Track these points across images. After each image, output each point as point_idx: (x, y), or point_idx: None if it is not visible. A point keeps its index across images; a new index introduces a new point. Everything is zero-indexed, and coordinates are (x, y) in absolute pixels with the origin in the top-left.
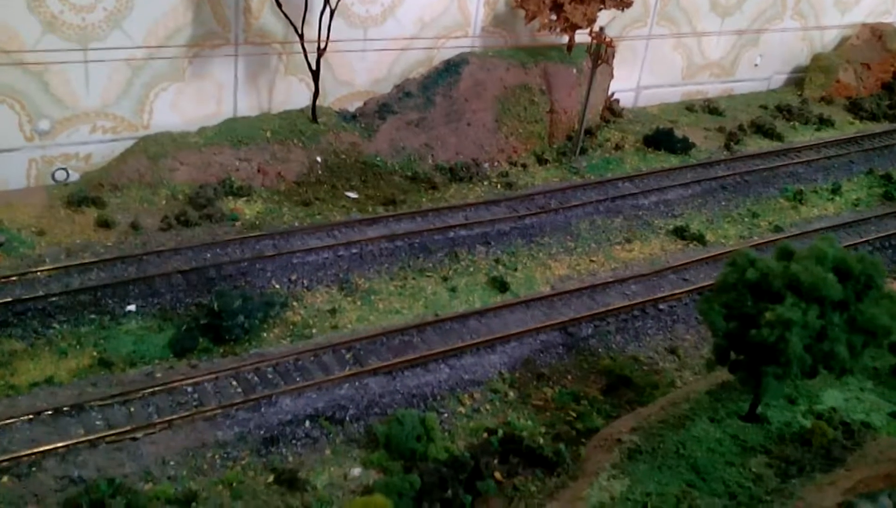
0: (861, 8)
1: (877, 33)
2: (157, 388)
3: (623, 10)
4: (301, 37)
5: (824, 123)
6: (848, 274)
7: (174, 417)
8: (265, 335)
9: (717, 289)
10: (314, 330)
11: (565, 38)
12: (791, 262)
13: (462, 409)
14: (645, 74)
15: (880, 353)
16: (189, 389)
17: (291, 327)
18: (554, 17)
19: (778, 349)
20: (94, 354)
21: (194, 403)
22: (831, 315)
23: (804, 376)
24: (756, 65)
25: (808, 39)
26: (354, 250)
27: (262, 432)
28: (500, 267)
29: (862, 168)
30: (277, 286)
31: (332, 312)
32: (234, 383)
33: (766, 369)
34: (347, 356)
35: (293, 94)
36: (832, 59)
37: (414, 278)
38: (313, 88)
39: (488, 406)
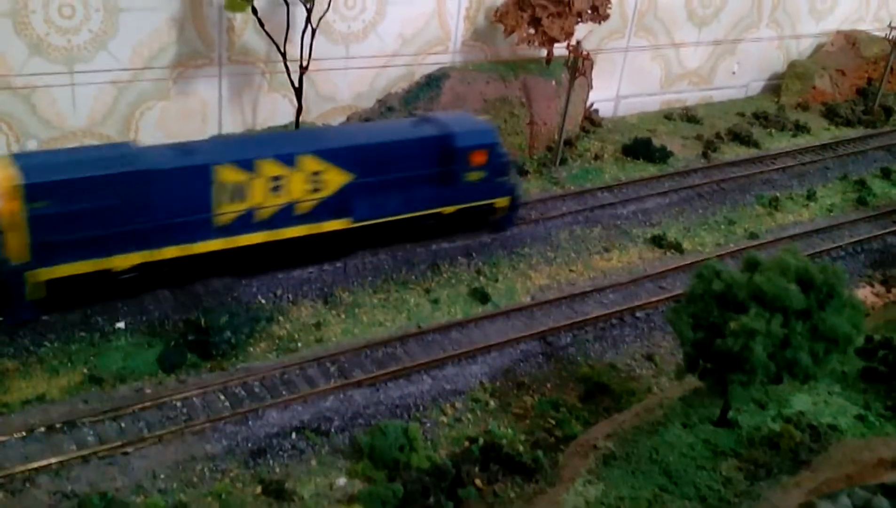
0: (835, 15)
1: (851, 40)
2: (146, 403)
3: (600, 23)
4: (284, 55)
5: (800, 129)
6: (810, 284)
7: (164, 431)
8: (252, 349)
9: (686, 300)
10: (300, 344)
11: (544, 52)
12: (756, 273)
13: (444, 418)
14: (624, 84)
15: (848, 357)
16: (178, 404)
17: (277, 341)
18: (532, 30)
19: (743, 357)
20: (85, 371)
21: (183, 417)
22: (794, 324)
23: (769, 382)
24: (733, 73)
25: (785, 47)
26: (338, 265)
27: (249, 444)
28: (481, 278)
29: (836, 174)
30: (263, 301)
31: (317, 325)
32: (222, 397)
33: (732, 376)
34: (332, 368)
35: (277, 110)
36: (808, 66)
37: (397, 291)
38: (297, 105)
39: (470, 415)
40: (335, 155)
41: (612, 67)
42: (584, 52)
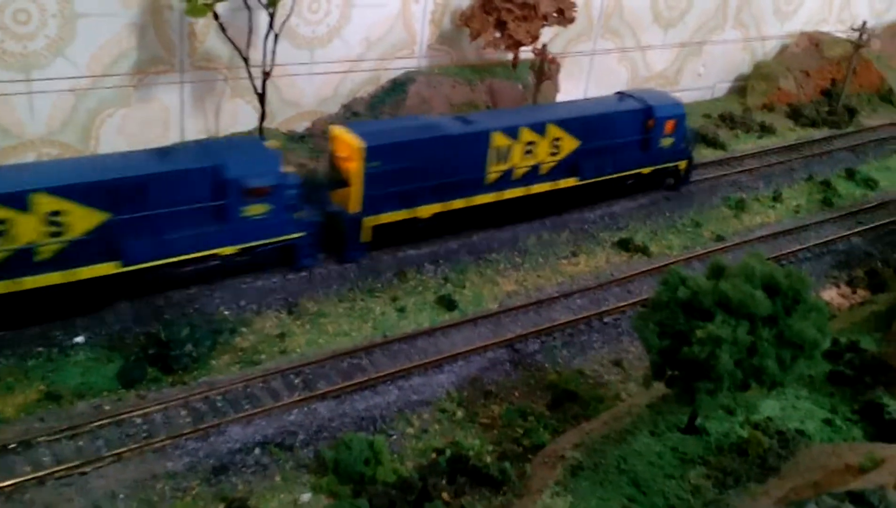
0: (799, 17)
1: (815, 41)
2: (105, 420)
3: (566, 26)
4: (246, 61)
5: (766, 130)
6: (776, 289)
7: (123, 449)
8: (214, 362)
9: (651, 307)
10: (263, 356)
11: (510, 55)
12: (721, 279)
13: (411, 430)
14: (591, 87)
15: (815, 361)
16: (138, 420)
17: (240, 353)
18: (498, 34)
19: (709, 365)
20: (42, 388)
21: (143, 434)
22: (761, 331)
23: (736, 389)
24: (699, 74)
25: (750, 48)
26: (303, 274)
27: (211, 461)
28: (448, 285)
29: (802, 175)
30: (226, 313)
31: (281, 336)
32: (184, 412)
33: (699, 384)
34: (296, 381)
35: (240, 116)
36: (773, 67)
37: (363, 300)
38: (260, 111)
39: (437, 426)
40: (570, 124)
41: (578, 70)
42: (551, 56)
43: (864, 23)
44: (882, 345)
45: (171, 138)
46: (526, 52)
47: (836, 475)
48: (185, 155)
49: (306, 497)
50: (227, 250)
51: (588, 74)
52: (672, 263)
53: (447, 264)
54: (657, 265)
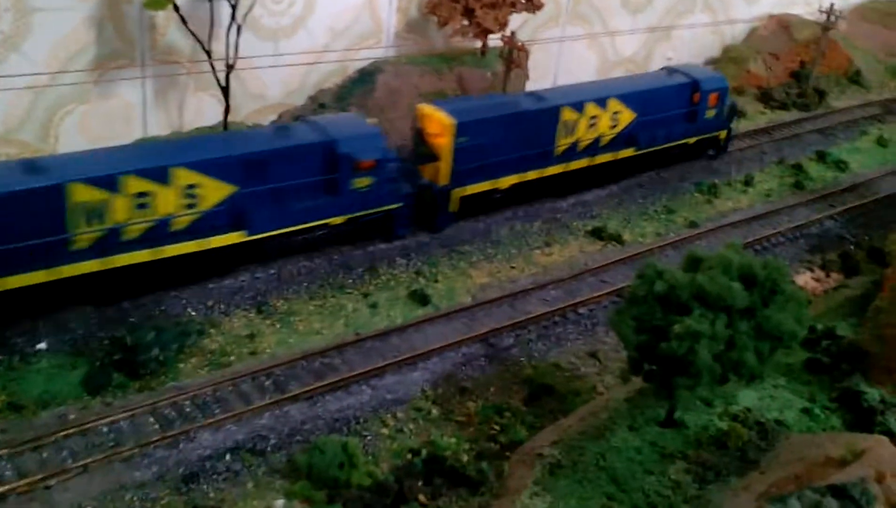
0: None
1: (783, 24)
2: (70, 430)
3: (534, 12)
4: (209, 54)
5: (736, 113)
6: (753, 280)
7: (89, 460)
8: (182, 365)
9: (628, 302)
10: (232, 358)
11: (479, 43)
12: (698, 272)
13: (385, 430)
14: (560, 74)
15: (792, 349)
16: (104, 429)
17: (209, 355)
18: (466, 22)
19: (687, 360)
20: (3, 398)
21: (110, 443)
22: (739, 323)
23: (715, 383)
24: (669, 59)
25: (719, 32)
26: (272, 271)
27: (181, 469)
28: (420, 279)
29: (773, 158)
30: (193, 314)
31: (251, 337)
32: (151, 419)
33: (678, 380)
34: (267, 383)
35: (205, 110)
36: (742, 50)
37: (334, 296)
38: (224, 105)
39: (412, 426)
40: (628, 98)
41: (547, 57)
42: (519, 44)
43: (832, 4)
44: (857, 331)
45: (133, 135)
46: (495, 40)
47: (816, 467)
48: (301, 132)
49: (280, 503)
50: (337, 220)
51: (557, 61)
52: (646, 251)
53: (419, 257)
54: (631, 254)
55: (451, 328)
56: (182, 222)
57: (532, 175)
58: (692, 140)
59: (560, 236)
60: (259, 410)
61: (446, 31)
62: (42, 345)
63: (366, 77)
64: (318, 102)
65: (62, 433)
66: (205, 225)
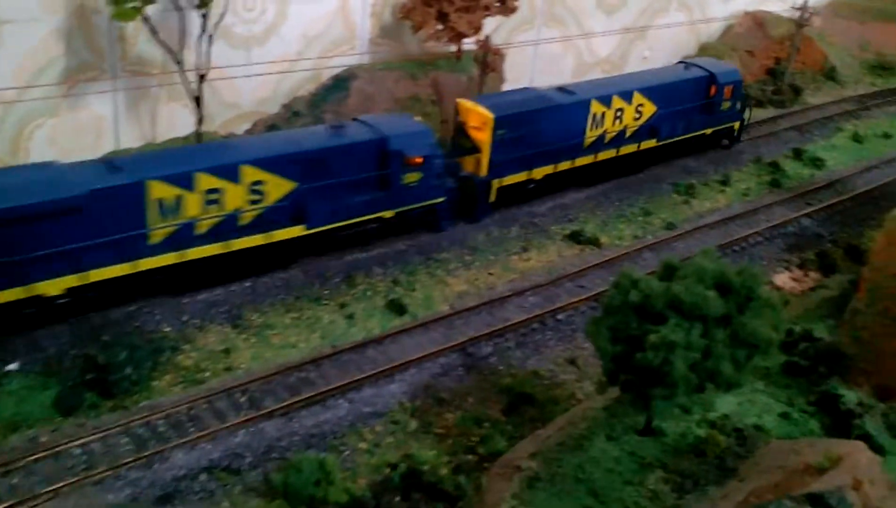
0: None
1: (758, 21)
2: (41, 454)
3: (508, 15)
4: (180, 64)
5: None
6: (728, 288)
7: (61, 484)
8: (156, 383)
9: (603, 311)
10: (207, 374)
11: (454, 47)
12: (673, 281)
13: (363, 444)
14: (536, 75)
15: (771, 352)
16: (77, 451)
17: (183, 372)
18: (440, 26)
19: (663, 371)
20: None
21: (82, 466)
22: (714, 332)
23: (692, 393)
24: (645, 58)
25: (695, 30)
26: (247, 284)
27: (155, 490)
28: (397, 288)
29: (749, 157)
30: (168, 329)
31: (226, 352)
32: (125, 440)
33: (654, 391)
34: (242, 399)
35: (178, 121)
36: (718, 47)
37: (310, 308)
38: (197, 115)
39: (390, 439)
40: (650, 92)
41: (523, 59)
42: (494, 48)
43: (806, 1)
44: (835, 333)
45: (104, 148)
46: (470, 44)
47: (795, 475)
48: (355, 130)
49: None
50: (388, 214)
51: (533, 63)
52: (623, 254)
53: (396, 266)
54: (609, 257)
55: (429, 337)
56: (248, 216)
57: (564, 166)
58: (709, 131)
59: (538, 240)
60: (234, 427)
61: (420, 36)
62: (13, 366)
63: (340, 84)
64: (292, 110)
65: (33, 458)
66: (268, 220)
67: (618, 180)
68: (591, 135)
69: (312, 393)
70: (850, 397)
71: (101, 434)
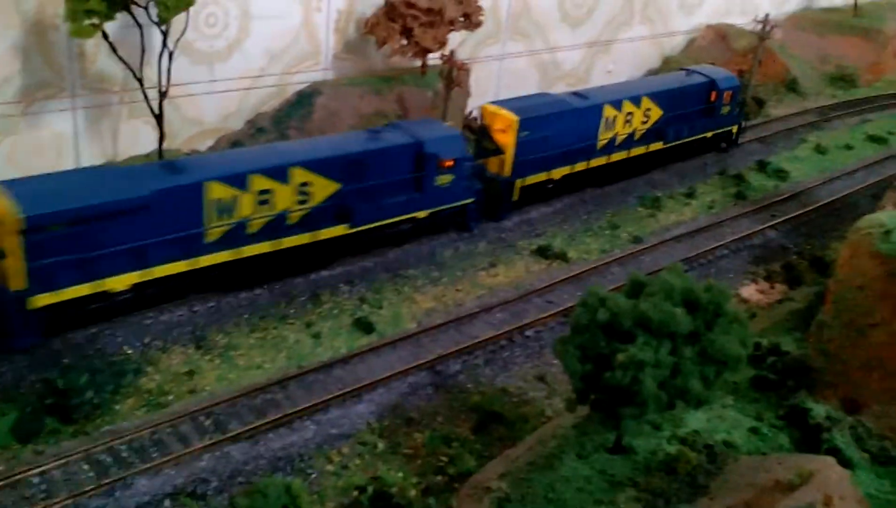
0: (704, 10)
1: (721, 34)
2: None
3: (473, 30)
4: (140, 81)
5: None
6: (696, 304)
7: None
8: (118, 407)
9: (571, 330)
10: (171, 397)
11: (419, 62)
12: (640, 298)
13: (330, 467)
14: (502, 90)
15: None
16: (35, 479)
17: (146, 395)
18: (405, 41)
19: (632, 390)
20: None
21: (42, 495)
22: (683, 349)
23: (662, 411)
24: (609, 71)
25: (658, 43)
26: (211, 304)
27: None
28: (364, 306)
29: (715, 169)
30: (130, 351)
31: (190, 374)
32: (86, 466)
33: (624, 410)
34: (207, 422)
35: (140, 138)
36: (681, 60)
37: (275, 328)
38: (159, 132)
39: (358, 461)
40: (658, 96)
41: (488, 73)
42: (459, 63)
43: (767, 14)
44: (802, 346)
45: (65, 165)
46: (435, 59)
47: (765, 492)
48: (392, 135)
49: None
50: (422, 214)
51: (498, 77)
52: (591, 269)
53: (362, 283)
54: (576, 272)
55: (397, 356)
56: (295, 216)
57: (580, 166)
58: (710, 134)
59: (505, 256)
60: (198, 451)
61: (385, 51)
62: None
63: (304, 99)
64: (256, 127)
65: None
66: (314, 219)
67: (582, 194)
68: (603, 137)
69: (278, 415)
70: (819, 410)
71: (61, 461)
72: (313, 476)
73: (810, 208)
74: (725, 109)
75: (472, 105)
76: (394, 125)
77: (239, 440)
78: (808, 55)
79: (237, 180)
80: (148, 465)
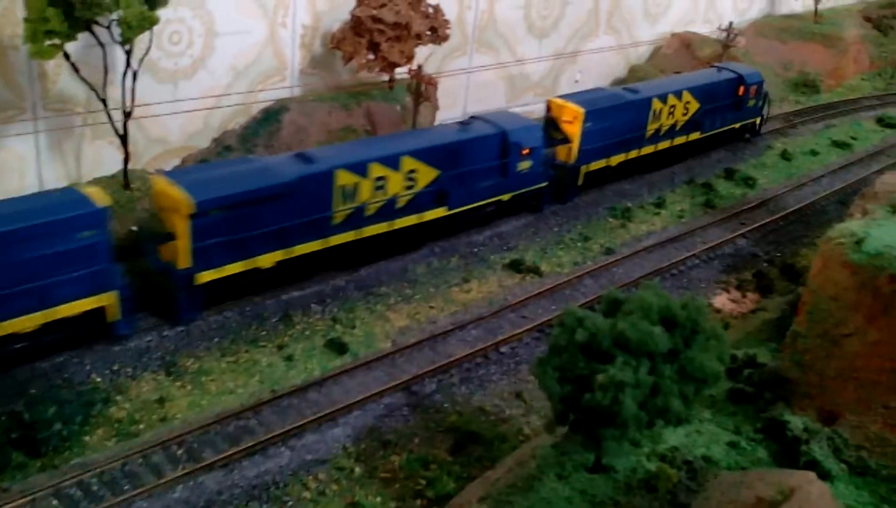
0: (668, 18)
1: (685, 42)
2: None
3: (440, 44)
4: (104, 102)
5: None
6: (674, 322)
7: None
8: (87, 438)
9: (549, 351)
10: (141, 426)
11: (387, 76)
12: (618, 317)
13: (307, 494)
14: (470, 102)
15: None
16: None
17: (116, 425)
18: (372, 56)
19: (613, 411)
20: None
21: None
22: (662, 368)
23: (642, 430)
24: (576, 81)
25: (624, 53)
26: (181, 328)
27: None
28: (337, 326)
29: (683, 178)
30: (98, 380)
31: (161, 401)
32: (55, 502)
33: (604, 431)
34: (179, 452)
35: (104, 159)
36: (647, 69)
37: (247, 351)
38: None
39: (335, 486)
40: (696, 91)
41: (457, 86)
42: (427, 77)
43: (731, 23)
44: (777, 357)
45: (27, 188)
46: (403, 73)
47: None
48: (479, 126)
49: None
50: (505, 197)
51: (466, 90)
52: (564, 282)
53: (335, 302)
54: (550, 286)
55: (372, 377)
56: (404, 200)
57: (633, 154)
58: (737, 125)
59: (478, 270)
60: (171, 483)
61: (352, 66)
62: None
63: (271, 116)
64: (223, 145)
65: None
66: (418, 203)
67: (553, 206)
68: (651, 128)
69: (252, 442)
70: (797, 423)
71: (28, 498)
72: (289, 503)
73: (779, 215)
74: (751, 102)
75: (441, 118)
76: (478, 118)
77: (213, 468)
78: (771, 62)
79: (360, 168)
80: (119, 498)
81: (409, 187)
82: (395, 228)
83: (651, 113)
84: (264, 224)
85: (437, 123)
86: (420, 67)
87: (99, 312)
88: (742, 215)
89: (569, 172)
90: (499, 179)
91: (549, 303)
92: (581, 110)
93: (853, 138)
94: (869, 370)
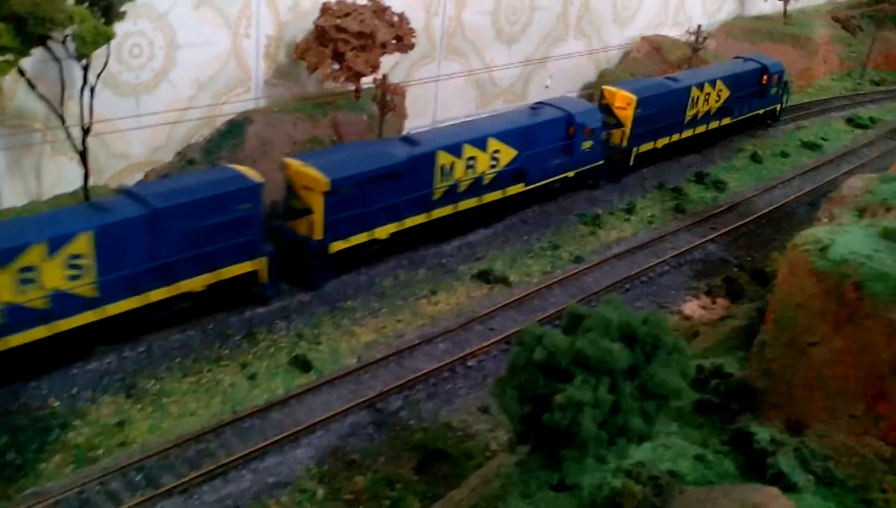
0: (638, 21)
1: (655, 46)
2: None
3: (406, 52)
4: (62, 118)
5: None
6: (634, 338)
7: None
8: (43, 466)
9: (508, 371)
10: (100, 451)
11: (353, 86)
12: (578, 334)
13: None
14: (439, 110)
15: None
16: None
17: (73, 451)
18: (336, 66)
19: (572, 432)
20: None
21: None
22: (622, 386)
23: (603, 449)
24: (547, 86)
25: (594, 57)
26: (142, 349)
27: None
28: (302, 343)
29: (653, 183)
30: (56, 404)
31: (120, 425)
32: None
33: (564, 453)
34: (138, 477)
35: (65, 175)
36: (617, 73)
37: (210, 370)
38: (84, 169)
39: None
40: (728, 80)
41: (425, 94)
42: (393, 86)
43: (700, 26)
44: (745, 366)
45: None
46: (369, 83)
47: None
48: (548, 110)
49: None
50: (570, 174)
51: (435, 97)
52: (533, 292)
53: (300, 318)
54: (518, 296)
55: (336, 395)
56: (489, 177)
57: (675, 138)
58: (761, 111)
59: (446, 282)
60: None
61: (317, 77)
62: None
63: (235, 128)
64: (186, 158)
65: None
66: (500, 180)
67: (523, 214)
68: (689, 114)
69: (213, 466)
70: (763, 434)
71: None
72: None
73: (749, 219)
74: (773, 91)
75: (410, 127)
76: (545, 103)
77: (172, 494)
78: None
79: (455, 149)
80: None
81: (493, 166)
82: (484, 202)
83: (690, 100)
84: (381, 200)
85: (406, 131)
86: (385, 76)
87: (252, 275)
88: (712, 220)
89: (623, 153)
90: (566, 157)
91: (518, 314)
92: (633, 97)
93: (823, 139)
94: (835, 379)
